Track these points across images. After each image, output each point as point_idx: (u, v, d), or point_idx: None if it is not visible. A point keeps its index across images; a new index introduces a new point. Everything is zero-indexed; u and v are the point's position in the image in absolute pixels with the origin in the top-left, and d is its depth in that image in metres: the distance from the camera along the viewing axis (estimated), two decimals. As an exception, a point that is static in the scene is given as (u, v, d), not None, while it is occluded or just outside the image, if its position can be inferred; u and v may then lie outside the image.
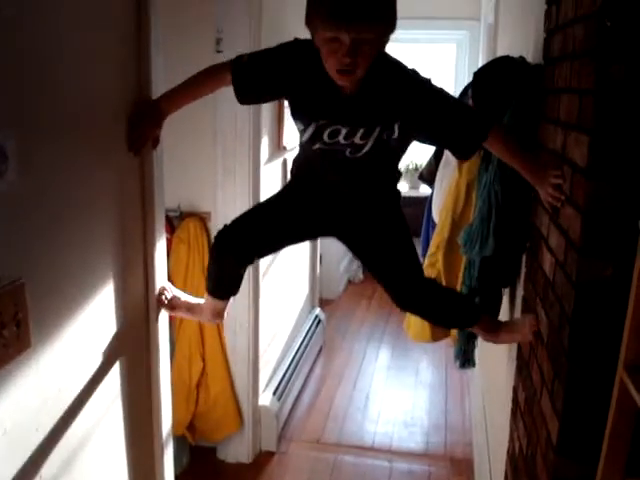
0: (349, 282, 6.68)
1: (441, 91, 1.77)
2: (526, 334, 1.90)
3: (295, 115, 1.84)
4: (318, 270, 5.19)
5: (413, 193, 6.62)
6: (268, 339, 3.76)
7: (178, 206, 3.23)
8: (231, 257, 1.98)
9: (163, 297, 2.07)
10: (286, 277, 4.17)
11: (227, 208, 3.07)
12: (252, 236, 1.97)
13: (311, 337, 4.72)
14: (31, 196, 1.43)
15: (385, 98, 1.71)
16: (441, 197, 2.75)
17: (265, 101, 2.01)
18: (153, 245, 2.02)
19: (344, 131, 1.75)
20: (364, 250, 2.05)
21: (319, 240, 4.98)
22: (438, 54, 6.77)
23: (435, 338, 2.77)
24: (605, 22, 1.25)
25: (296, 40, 1.76)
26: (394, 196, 2.03)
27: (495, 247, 2.08)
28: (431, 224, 2.97)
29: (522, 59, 2.20)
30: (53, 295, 1.54)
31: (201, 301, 2.13)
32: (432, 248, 2.69)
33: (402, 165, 7.02)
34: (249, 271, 3.18)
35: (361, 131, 1.74)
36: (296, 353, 4.34)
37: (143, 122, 1.86)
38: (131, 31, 1.86)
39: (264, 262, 3.46)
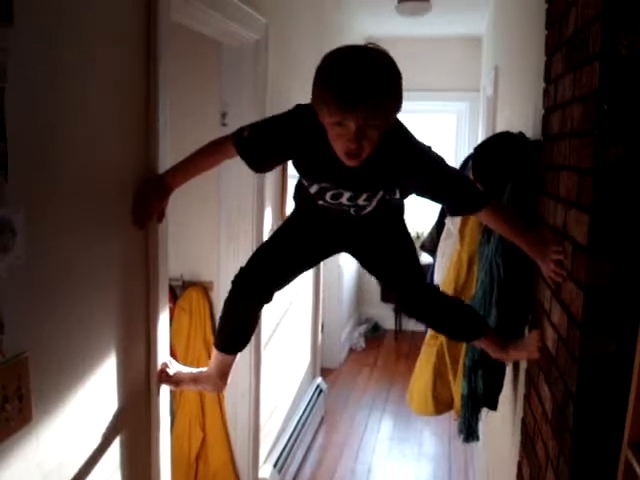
0: (351, 350, 6.64)
1: (442, 161, 1.80)
2: (532, 351, 1.90)
3: (298, 172, 1.88)
4: (320, 339, 5.16)
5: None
6: (269, 410, 3.72)
7: (181, 275, 3.25)
8: (252, 297, 2.01)
9: (165, 374, 2.06)
10: (287, 346, 4.15)
11: (230, 278, 3.06)
12: (269, 271, 2.00)
13: (312, 407, 4.67)
14: (36, 269, 1.44)
15: (387, 167, 1.73)
16: (443, 269, 2.76)
17: (277, 165, 2.04)
18: (156, 318, 2.03)
19: (347, 195, 1.79)
20: (371, 260, 2.09)
21: (320, 308, 4.98)
22: (439, 124, 6.87)
23: (438, 411, 2.75)
24: (602, 105, 1.28)
25: (298, 107, 1.76)
26: (399, 210, 2.06)
27: (497, 320, 2.09)
28: (433, 295, 2.97)
29: (522, 135, 2.24)
30: (55, 369, 1.54)
31: (204, 369, 2.12)
32: (434, 320, 2.68)
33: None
34: (250, 345, 3.19)
35: (364, 195, 1.79)
36: (297, 424, 4.28)
37: (149, 197, 1.90)
38: (139, 103, 1.91)
39: (265, 332, 3.45)
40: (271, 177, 3.41)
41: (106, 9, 1.71)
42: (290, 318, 4.12)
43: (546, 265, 1.70)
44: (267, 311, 3.26)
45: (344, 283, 6.26)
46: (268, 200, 3.34)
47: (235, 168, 3.06)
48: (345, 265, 6.23)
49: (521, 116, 2.79)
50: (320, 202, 1.86)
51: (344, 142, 1.57)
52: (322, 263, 4.94)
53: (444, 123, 6.99)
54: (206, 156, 1.95)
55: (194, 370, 2.14)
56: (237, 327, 2.08)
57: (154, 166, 1.97)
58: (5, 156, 1.31)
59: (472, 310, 2.12)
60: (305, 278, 4.51)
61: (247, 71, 2.94)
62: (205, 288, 3.24)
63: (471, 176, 2.27)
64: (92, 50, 1.64)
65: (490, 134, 4.71)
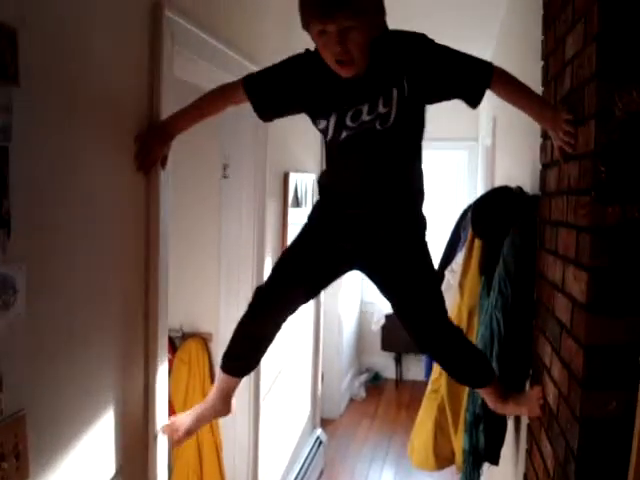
0: (351, 400, 6.58)
1: (438, 43, 1.78)
2: (533, 408, 1.88)
3: (314, 116, 1.84)
4: (320, 389, 5.12)
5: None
6: (268, 463, 3.68)
7: (180, 326, 3.24)
8: (270, 317, 1.97)
9: (176, 437, 2.04)
10: (287, 397, 4.11)
11: (229, 329, 3.04)
12: (287, 290, 1.96)
13: (312, 460, 4.61)
14: (36, 326, 1.44)
15: (390, 62, 1.74)
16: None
17: (284, 113, 1.95)
18: (155, 371, 2.02)
19: (365, 108, 1.74)
20: (389, 282, 1.99)
21: (320, 358, 4.96)
22: (438, 173, 6.92)
23: (440, 466, 2.72)
24: (599, 165, 1.30)
25: (300, 52, 1.83)
26: (420, 222, 1.97)
27: (498, 374, 2.07)
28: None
29: (520, 189, 2.26)
30: (53, 425, 1.53)
31: (203, 404, 2.10)
32: (435, 373, 2.67)
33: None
34: (249, 392, 3.17)
35: (381, 99, 1.73)
36: (297, 477, 4.22)
37: (151, 141, 1.91)
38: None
39: (265, 383, 3.42)
40: (271, 227, 3.43)
41: (109, 69, 1.74)
42: (290, 368, 4.10)
43: (557, 133, 1.67)
44: (267, 362, 3.25)
45: (344, 332, 6.24)
46: (268, 251, 3.35)
47: (237, 219, 3.09)
48: (345, 314, 6.21)
49: (519, 170, 2.82)
50: (343, 135, 1.78)
51: (330, 49, 1.63)
52: (322, 313, 4.94)
53: (443, 172, 7.05)
54: (211, 99, 1.95)
55: (195, 410, 2.10)
56: (249, 348, 2.05)
57: (155, 220, 1.98)
58: (8, 214, 1.33)
59: (484, 355, 2.08)
60: (305, 328, 4.50)
61: (248, 124, 2.97)
62: (204, 339, 3.23)
63: (470, 230, 2.29)
64: (95, 107, 1.67)
65: (489, 184, 4.76)
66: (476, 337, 2.34)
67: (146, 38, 1.94)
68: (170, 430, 2.05)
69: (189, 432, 2.06)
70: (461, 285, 2.55)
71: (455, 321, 2.55)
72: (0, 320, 1.32)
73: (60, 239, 1.53)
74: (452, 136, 6.55)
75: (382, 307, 6.95)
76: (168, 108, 2.03)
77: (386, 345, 6.98)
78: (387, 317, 6.82)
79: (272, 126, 3.13)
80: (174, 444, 2.05)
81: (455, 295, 2.59)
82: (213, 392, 2.09)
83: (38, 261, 1.44)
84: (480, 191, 5.67)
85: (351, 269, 2.03)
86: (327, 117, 1.78)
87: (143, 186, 1.95)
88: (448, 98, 1.83)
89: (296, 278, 1.95)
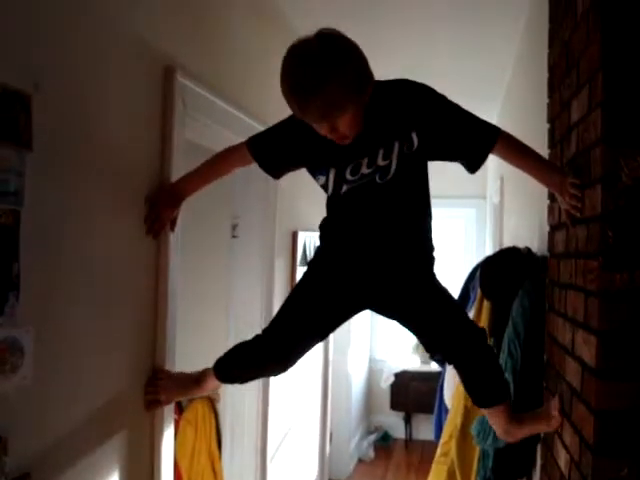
0: (359, 461, 6.47)
1: (445, 97, 1.77)
2: (552, 421, 1.78)
3: (313, 171, 1.84)
4: (328, 449, 5.04)
5: (425, 368, 6.59)
6: (275, 526, 3.60)
7: (188, 386, 3.21)
8: (273, 359, 1.94)
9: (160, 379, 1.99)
10: (295, 458, 4.05)
11: (237, 389, 3.04)
12: (292, 337, 1.93)
13: (320, 522, 4.51)
14: (42, 390, 1.44)
15: (393, 113, 1.72)
16: (453, 382, 2.73)
17: (288, 169, 1.96)
18: (161, 432, 2.01)
19: (365, 161, 1.73)
20: (401, 314, 1.91)
21: (329, 418, 4.89)
22: (446, 230, 6.94)
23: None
24: (606, 230, 1.30)
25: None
26: (428, 259, 1.91)
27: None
28: (444, 408, 2.93)
29: (528, 250, 2.26)
30: (58, 491, 1.51)
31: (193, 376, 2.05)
32: (445, 437, 2.63)
33: (414, 341, 7.05)
34: (256, 452, 3.13)
35: (381, 152, 1.72)
36: (304, 540, 4.13)
37: (161, 204, 1.93)
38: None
39: (272, 443, 3.38)
40: (280, 286, 3.43)
41: (122, 132, 1.77)
42: (297, 428, 4.05)
43: (564, 198, 1.67)
44: (274, 421, 3.21)
45: (353, 390, 6.17)
46: (276, 305, 3.33)
47: (245, 272, 3.09)
48: (354, 372, 6.16)
49: (527, 230, 2.82)
50: (344, 189, 1.78)
51: (324, 133, 1.64)
52: (330, 371, 4.90)
53: (452, 229, 7.07)
54: (219, 161, 1.98)
55: (188, 376, 2.06)
56: (246, 371, 2.04)
57: (164, 282, 1.99)
58: (18, 277, 1.34)
59: (501, 371, 1.94)
60: (313, 387, 4.45)
61: (258, 184, 3.00)
62: (211, 400, 3.18)
63: (478, 290, 2.28)
64: (107, 170, 1.70)
65: (497, 242, 4.76)
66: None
67: (158, 101, 1.98)
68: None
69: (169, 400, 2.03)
70: (470, 346, 2.53)
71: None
72: (6, 383, 1.32)
73: (68, 302, 1.54)
74: (460, 194, 6.59)
75: (392, 365, 6.91)
76: (179, 170, 2.05)
77: (395, 404, 6.90)
78: (396, 375, 6.76)
79: (281, 185, 3.18)
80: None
81: (464, 356, 2.57)
82: (194, 376, 2.04)
83: (46, 324, 1.45)
84: (489, 249, 5.68)
85: (360, 310, 1.98)
86: (326, 173, 1.79)
87: (153, 248, 1.96)
88: (449, 159, 1.83)
89: (302, 320, 1.92)
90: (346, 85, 1.54)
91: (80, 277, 1.58)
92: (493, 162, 5.97)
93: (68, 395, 1.55)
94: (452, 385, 2.75)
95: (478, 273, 2.61)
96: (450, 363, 1.90)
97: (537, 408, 1.96)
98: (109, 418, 1.74)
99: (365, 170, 1.74)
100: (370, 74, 1.63)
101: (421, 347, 6.21)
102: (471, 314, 2.78)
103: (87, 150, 1.60)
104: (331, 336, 4.91)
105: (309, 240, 3.99)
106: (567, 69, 1.79)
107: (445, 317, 1.84)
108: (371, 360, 7.20)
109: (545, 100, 2.18)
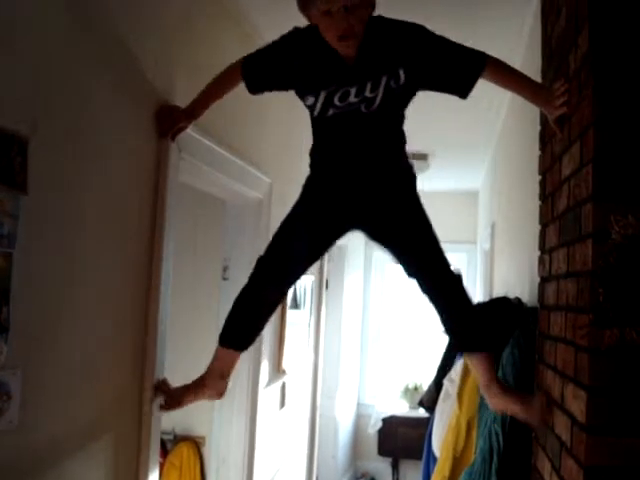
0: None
1: (434, 33, 1.83)
2: (534, 415, 1.84)
3: (304, 92, 1.89)
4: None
5: (413, 414, 6.53)
6: None
7: (173, 429, 3.18)
8: (272, 285, 2.00)
9: (165, 399, 2.05)
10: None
11: (223, 433, 3.02)
12: (288, 258, 2.00)
13: None
14: (27, 435, 1.42)
15: (385, 49, 1.81)
16: (441, 430, 2.71)
17: (273, 86, 2.03)
18: (146, 476, 1.98)
19: (353, 90, 1.81)
20: (390, 238, 2.01)
21: (315, 464, 4.84)
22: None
23: None
24: (597, 288, 1.31)
25: (294, 28, 1.89)
26: (409, 176, 2.04)
27: (497, 490, 2.02)
28: (432, 457, 2.90)
29: (518, 300, 2.26)
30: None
31: (198, 378, 2.08)
32: (433, 485, 2.60)
33: (402, 385, 7.02)
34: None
35: (369, 84, 1.81)
36: None
37: (176, 113, 2.04)
38: (143, 264, 1.97)
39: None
40: (269, 329, 3.41)
41: (116, 174, 1.79)
42: (283, 473, 3.99)
43: (551, 109, 1.75)
44: (259, 466, 3.17)
45: (340, 436, 6.12)
46: (265, 354, 3.32)
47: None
48: (341, 417, 6.11)
49: (518, 279, 2.83)
50: (330, 112, 1.86)
51: (335, 26, 1.70)
52: (317, 416, 4.85)
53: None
54: (217, 81, 2.03)
55: (188, 383, 2.07)
56: (253, 319, 2.05)
57: (153, 325, 1.98)
58: (8, 320, 1.33)
59: (479, 318, 2.04)
60: (299, 431, 4.41)
61: (249, 227, 3.01)
62: (197, 443, 3.16)
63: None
64: (100, 213, 1.70)
65: (488, 288, 4.77)
66: (475, 450, 2.30)
67: (153, 145, 2.00)
68: (160, 386, 2.05)
69: (179, 402, 2.05)
70: (460, 395, 2.52)
71: (454, 433, 2.52)
72: (-8, 427, 1.31)
73: (57, 346, 1.53)
74: (451, 238, 6.58)
75: (380, 410, 6.85)
76: (172, 212, 2.07)
77: (383, 450, 6.82)
78: (384, 420, 6.71)
79: (272, 228, 3.18)
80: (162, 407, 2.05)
81: (454, 405, 2.56)
82: (210, 369, 2.07)
83: (34, 367, 1.44)
84: (479, 294, 5.68)
85: (350, 229, 2.06)
86: (316, 94, 1.85)
87: (143, 293, 1.97)
88: (439, 89, 1.91)
89: (297, 244, 2.00)
90: None
91: (69, 322, 1.58)
92: (484, 208, 6.02)
93: (55, 440, 1.53)
94: (440, 433, 2.73)
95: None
96: (429, 295, 1.97)
97: (525, 465, 1.98)
98: (95, 462, 1.72)
99: (353, 99, 1.83)
100: None
101: (409, 392, 6.16)
102: (461, 362, 2.77)
103: (80, 194, 1.61)
104: (319, 379, 4.89)
105: (299, 283, 3.98)
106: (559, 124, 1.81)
107: (426, 241, 1.97)
108: (359, 405, 7.15)
109: (535, 150, 2.21)
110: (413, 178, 2.05)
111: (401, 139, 2.02)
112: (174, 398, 2.04)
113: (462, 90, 1.87)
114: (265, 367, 3.36)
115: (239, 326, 2.05)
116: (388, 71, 1.81)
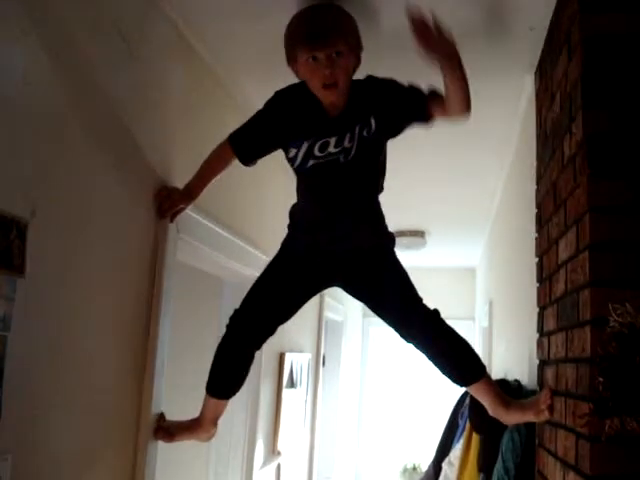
0: None
1: (383, 78, 1.91)
2: (540, 412, 1.82)
3: (289, 144, 1.93)
4: None
5: (411, 494, 6.40)
6: None
7: (165, 512, 3.09)
8: (247, 340, 2.03)
9: (159, 427, 2.05)
10: None
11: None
12: (263, 312, 2.02)
13: None
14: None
15: (361, 101, 1.89)
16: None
17: (263, 150, 2.04)
18: None
19: (333, 141, 1.88)
20: (367, 293, 2.06)
21: None
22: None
23: None
24: (596, 376, 1.30)
25: (275, 92, 1.96)
26: (388, 238, 2.08)
27: None
28: None
29: (517, 383, 2.24)
30: None
31: (194, 418, 2.12)
32: None
33: (400, 464, 6.88)
34: None
35: (348, 135, 1.87)
36: None
37: (175, 196, 2.06)
38: (139, 344, 1.96)
39: None
40: (265, 408, 3.37)
41: (114, 255, 1.79)
42: None
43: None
44: None
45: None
46: (261, 433, 3.27)
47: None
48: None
49: (517, 360, 2.81)
50: (310, 163, 1.90)
51: (319, 73, 1.77)
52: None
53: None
54: (210, 161, 2.06)
55: (186, 420, 2.12)
56: (231, 371, 2.08)
57: (148, 406, 1.96)
58: (0, 404, 1.31)
59: (469, 345, 2.02)
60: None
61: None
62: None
63: (468, 423, 2.25)
64: (97, 294, 1.70)
65: (487, 367, 4.72)
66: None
67: (152, 225, 2.01)
68: (159, 422, 2.06)
69: (172, 435, 2.08)
70: (459, 481, 2.47)
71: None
72: (-21, 516, 1.27)
73: (50, 431, 1.50)
74: (449, 315, 6.53)
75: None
76: (170, 291, 2.06)
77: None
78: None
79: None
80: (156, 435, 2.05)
81: (453, 490, 2.51)
82: (203, 415, 2.11)
83: (25, 451, 1.40)
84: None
85: (328, 286, 2.14)
86: (299, 145, 1.91)
87: (139, 375, 1.95)
88: (403, 126, 1.95)
89: (272, 299, 2.04)
90: (351, 24, 1.82)
91: (63, 405, 1.55)
92: (482, 285, 6.03)
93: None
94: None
95: (468, 399, 2.58)
96: (416, 342, 1.98)
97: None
98: None
99: (332, 149, 1.89)
100: (362, 45, 1.87)
101: (408, 472, 6.05)
102: (460, 445, 2.72)
103: (79, 274, 1.61)
104: (315, 462, 4.80)
105: (296, 362, 3.95)
106: (555, 208, 1.83)
107: (403, 294, 2.00)
108: (357, 473, 7.00)
109: (531, 231, 2.22)
110: (392, 241, 2.09)
111: (375, 190, 2.07)
112: (168, 431, 2.07)
113: (421, 114, 1.91)
114: (260, 448, 3.29)
115: (220, 377, 2.09)
116: (361, 120, 1.89)
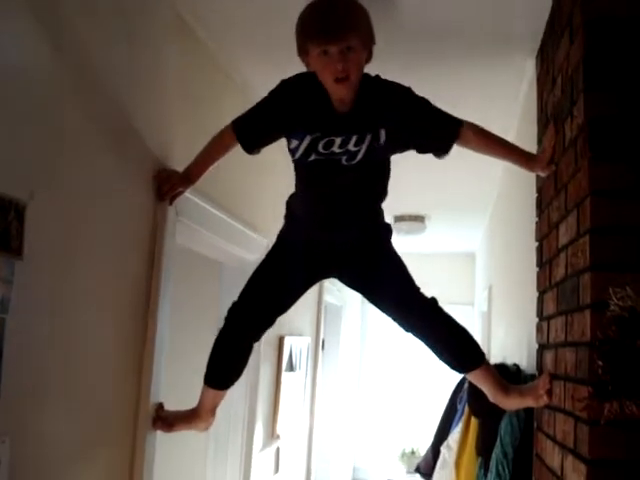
0: None
1: (422, 98, 1.87)
2: (539, 397, 1.83)
3: (291, 135, 1.90)
4: None
5: (410, 479, 6.42)
6: None
7: (165, 494, 3.10)
8: (245, 331, 2.03)
9: (158, 417, 2.06)
10: None
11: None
12: (262, 304, 2.02)
13: None
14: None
15: (374, 108, 1.84)
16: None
17: (265, 138, 2.02)
18: None
19: (338, 140, 1.84)
20: (364, 283, 2.06)
21: None
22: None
23: None
24: (596, 360, 1.30)
25: (282, 81, 1.92)
26: (385, 229, 2.09)
27: None
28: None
29: (516, 367, 2.24)
30: None
31: (193, 408, 2.13)
32: None
33: (399, 448, 6.91)
34: None
35: (354, 138, 1.84)
36: None
37: (174, 179, 2.06)
38: (138, 330, 1.96)
39: None
40: (264, 393, 3.37)
41: (113, 239, 1.79)
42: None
43: (536, 167, 1.93)
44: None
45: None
46: (259, 417, 3.27)
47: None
48: (337, 481, 6.00)
49: (516, 344, 2.81)
50: (312, 158, 1.87)
51: (331, 68, 1.73)
52: (313, 480, 4.77)
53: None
54: (211, 145, 2.04)
55: (185, 410, 2.14)
56: (229, 362, 2.09)
57: (146, 394, 1.97)
58: (-2, 386, 1.31)
59: (468, 332, 2.02)
60: (294, 497, 4.32)
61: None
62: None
63: (467, 407, 2.25)
64: (95, 277, 1.70)
65: (485, 352, 4.73)
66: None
67: (151, 208, 2.00)
68: (157, 411, 2.07)
69: (171, 425, 2.09)
70: (457, 464, 2.48)
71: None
72: (-22, 497, 1.28)
73: (49, 414, 1.50)
74: (448, 300, 6.57)
75: (376, 474, 6.74)
76: (168, 275, 2.06)
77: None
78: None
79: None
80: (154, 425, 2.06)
81: (451, 474, 2.51)
82: (200, 405, 2.12)
83: (24, 436, 1.41)
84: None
85: (326, 277, 2.19)
86: (301, 138, 1.87)
87: (138, 361, 1.96)
88: (417, 150, 1.95)
89: (269, 291, 2.03)
90: (365, 18, 1.77)
91: (62, 389, 1.55)
92: (481, 270, 6.03)
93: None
94: (438, 503, 2.67)
95: (466, 385, 2.58)
96: (414, 332, 1.98)
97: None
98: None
99: (336, 149, 1.86)
100: (374, 39, 1.81)
101: (407, 456, 6.06)
102: (458, 428, 2.73)
103: (78, 257, 1.60)
104: (314, 443, 4.82)
105: (296, 346, 3.95)
106: (555, 192, 1.82)
107: (401, 283, 2.00)
108: (355, 469, 7.02)
109: (532, 215, 2.22)
110: (389, 232, 2.10)
111: (378, 196, 2.06)
112: (166, 421, 2.08)
113: (438, 152, 1.92)
114: (259, 431, 3.30)
115: (218, 368, 2.10)
116: (372, 130, 1.85)
